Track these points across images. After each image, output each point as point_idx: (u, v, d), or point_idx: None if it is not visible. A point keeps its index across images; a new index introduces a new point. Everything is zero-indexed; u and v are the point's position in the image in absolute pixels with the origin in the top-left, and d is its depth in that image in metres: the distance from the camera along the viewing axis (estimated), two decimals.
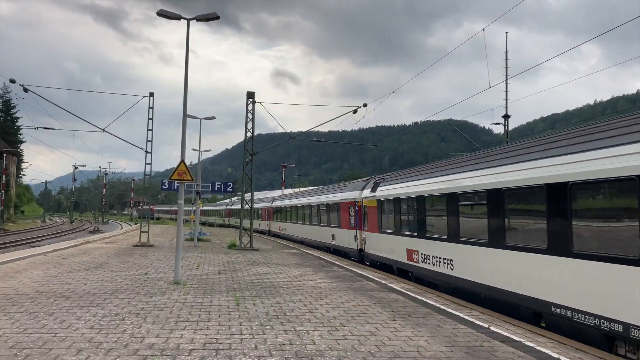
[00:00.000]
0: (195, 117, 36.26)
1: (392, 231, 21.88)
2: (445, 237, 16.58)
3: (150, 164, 32.87)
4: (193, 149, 49.84)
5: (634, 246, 9.18)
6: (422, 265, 18.61)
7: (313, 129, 34.24)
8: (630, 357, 9.51)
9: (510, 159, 13.60)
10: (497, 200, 13.61)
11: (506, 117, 38.33)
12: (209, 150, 59.73)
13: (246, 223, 40.75)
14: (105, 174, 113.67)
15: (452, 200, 16.04)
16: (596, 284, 10.00)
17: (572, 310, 10.64)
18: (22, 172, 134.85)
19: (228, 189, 34.61)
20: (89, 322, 10.57)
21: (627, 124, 10.00)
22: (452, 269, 16.22)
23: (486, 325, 11.49)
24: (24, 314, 11.22)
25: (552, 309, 11.26)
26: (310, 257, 28.25)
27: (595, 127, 11.09)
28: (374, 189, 24.86)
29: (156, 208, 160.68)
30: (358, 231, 27.33)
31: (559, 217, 11.10)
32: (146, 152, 32.21)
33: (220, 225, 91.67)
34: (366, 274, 20.37)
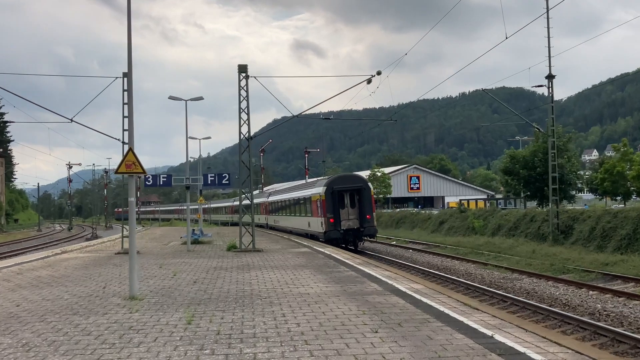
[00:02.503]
0: (180, 99, 35.59)
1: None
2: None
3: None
4: (191, 137, 49.04)
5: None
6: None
7: (319, 105, 33.27)
8: None
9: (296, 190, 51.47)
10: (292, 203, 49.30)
11: (550, 77, 36.84)
12: (209, 138, 58.96)
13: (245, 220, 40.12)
14: (106, 172, 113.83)
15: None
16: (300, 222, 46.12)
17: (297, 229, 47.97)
18: (13, 176, 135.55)
19: (223, 182, 33.79)
20: None
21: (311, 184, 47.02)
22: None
23: (490, 334, 10.49)
24: None
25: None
26: (319, 256, 28.06)
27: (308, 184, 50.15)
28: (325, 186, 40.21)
29: (161, 208, 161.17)
30: (322, 218, 39.79)
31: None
32: (123, 143, 31.56)
33: (234, 225, 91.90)
34: (376, 274, 19.81)
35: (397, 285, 16.96)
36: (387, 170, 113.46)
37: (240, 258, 27.96)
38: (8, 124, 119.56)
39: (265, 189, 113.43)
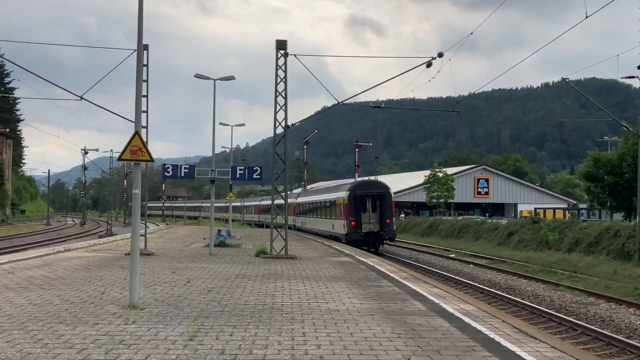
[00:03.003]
0: (207, 77, 35.62)
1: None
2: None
3: (147, 143, 32.27)
4: (221, 123, 49.18)
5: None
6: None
7: (369, 91, 32.93)
8: None
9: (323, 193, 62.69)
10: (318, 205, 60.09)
11: None
12: (242, 125, 58.91)
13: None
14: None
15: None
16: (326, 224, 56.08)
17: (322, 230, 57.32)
18: (22, 161, 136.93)
19: (254, 176, 33.70)
20: None
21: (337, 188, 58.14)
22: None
23: None
24: None
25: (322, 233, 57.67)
26: (360, 267, 27.96)
27: (333, 187, 62.43)
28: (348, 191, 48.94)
29: (188, 204, 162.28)
30: (345, 220, 47.65)
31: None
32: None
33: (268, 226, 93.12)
34: (422, 291, 19.53)
35: (444, 306, 16.70)
36: (450, 170, 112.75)
37: (269, 265, 27.99)
38: (17, 100, 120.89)
39: (308, 187, 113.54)
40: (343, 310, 15.69)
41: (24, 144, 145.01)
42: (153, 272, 24.22)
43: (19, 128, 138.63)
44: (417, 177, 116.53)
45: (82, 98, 30.37)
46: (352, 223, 46.07)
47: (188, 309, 15.42)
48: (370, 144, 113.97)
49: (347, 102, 35.93)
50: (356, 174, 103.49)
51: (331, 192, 58.05)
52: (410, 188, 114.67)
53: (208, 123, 39.97)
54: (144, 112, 32.24)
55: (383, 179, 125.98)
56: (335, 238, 51.66)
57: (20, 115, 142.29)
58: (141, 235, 34.49)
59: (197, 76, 36.26)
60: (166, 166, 32.38)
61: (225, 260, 30.09)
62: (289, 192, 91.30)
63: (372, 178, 77.80)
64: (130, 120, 31.89)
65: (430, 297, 18.37)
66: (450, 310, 16.01)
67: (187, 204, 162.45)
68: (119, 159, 15.97)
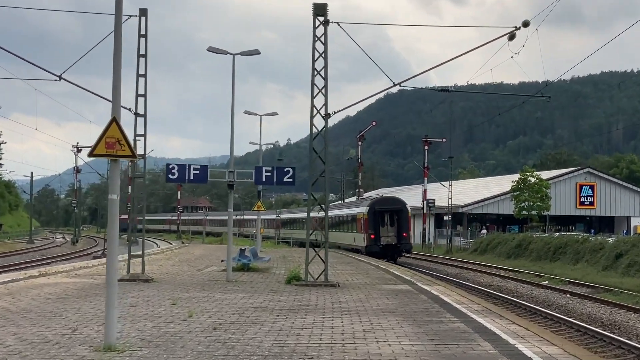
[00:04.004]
0: (224, 52, 35.30)
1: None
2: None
3: (145, 136, 32.32)
4: (247, 112, 48.87)
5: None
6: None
7: (433, 69, 32.37)
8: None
9: (345, 208, 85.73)
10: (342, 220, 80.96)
11: None
12: (274, 114, 58.72)
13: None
14: (131, 160, 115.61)
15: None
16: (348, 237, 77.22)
17: (345, 244, 76.74)
18: None
19: (285, 179, 33.21)
20: None
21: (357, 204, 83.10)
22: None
23: None
24: None
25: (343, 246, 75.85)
26: (420, 297, 27.79)
27: (354, 203, 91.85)
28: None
29: (209, 217, 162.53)
30: (365, 234, 64.52)
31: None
32: (136, 115, 31.64)
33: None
34: (495, 329, 19.26)
35: (521, 348, 16.38)
36: (546, 174, 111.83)
37: (301, 295, 27.81)
38: None
39: (366, 194, 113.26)
40: (387, 355, 15.46)
41: (0, 140, 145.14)
42: (147, 303, 24.12)
43: None
44: (505, 183, 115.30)
45: (60, 78, 30.64)
46: (372, 236, 61.55)
47: (181, 353, 15.21)
48: (444, 140, 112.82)
49: (406, 85, 35.43)
50: (425, 179, 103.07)
51: (352, 207, 79.65)
52: (492, 197, 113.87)
53: (238, 113, 39.61)
54: (141, 96, 32.12)
55: (460, 185, 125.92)
56: (356, 250, 69.13)
57: None
58: (137, 257, 34.46)
59: (211, 50, 35.81)
60: (170, 166, 31.91)
61: (245, 289, 29.93)
62: (357, 199, 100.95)
63: (390, 193, 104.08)
64: (125, 108, 31.95)
65: (504, 336, 18.13)
66: (529, 354, 15.71)
67: (209, 217, 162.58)
68: (90, 154, 15.44)
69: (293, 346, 16.17)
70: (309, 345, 16.34)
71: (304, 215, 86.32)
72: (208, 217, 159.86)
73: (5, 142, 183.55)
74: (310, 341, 16.92)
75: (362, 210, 66.68)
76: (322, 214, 67.83)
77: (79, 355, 14.67)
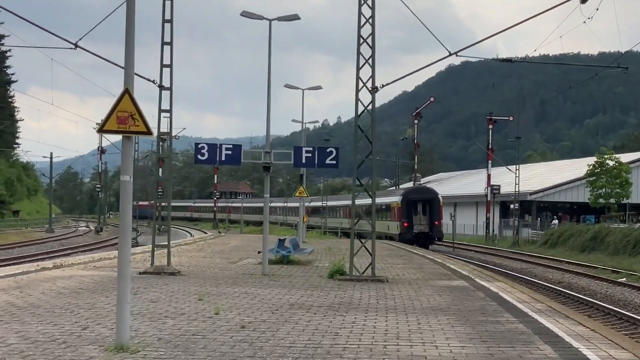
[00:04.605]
0: (260, 17, 35.31)
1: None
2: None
3: (170, 111, 32.31)
4: (288, 86, 48.73)
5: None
6: None
7: (495, 35, 32.25)
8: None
9: (379, 197, 74.34)
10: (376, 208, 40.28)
11: None
12: (319, 88, 58.46)
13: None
14: (163, 140, 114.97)
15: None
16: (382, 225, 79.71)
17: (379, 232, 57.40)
18: (15, 141, 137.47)
19: (328, 161, 33.12)
20: None
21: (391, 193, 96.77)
22: None
23: None
24: None
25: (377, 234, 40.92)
26: (477, 295, 27.83)
27: (388, 192, 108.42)
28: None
29: (245, 204, 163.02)
30: (398, 222, 74.56)
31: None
32: (160, 87, 31.64)
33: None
34: (557, 330, 19.07)
35: (585, 352, 16.19)
36: (626, 157, 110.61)
37: (343, 291, 27.79)
38: (7, 53, 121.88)
39: (424, 180, 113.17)
40: (432, 358, 15.41)
41: (17, 116, 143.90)
42: (170, 298, 24.20)
43: (10, 93, 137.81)
44: (580, 168, 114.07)
45: (76, 46, 30.51)
46: (405, 224, 70.79)
47: (202, 354, 15.20)
48: (510, 119, 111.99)
49: (465, 54, 35.13)
50: (489, 162, 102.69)
51: (386, 196, 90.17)
52: (565, 183, 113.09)
53: (280, 90, 39.62)
54: (166, 66, 32.08)
55: (528, 169, 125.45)
56: (390, 238, 78.48)
57: (12, 75, 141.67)
58: (161, 248, 34.49)
59: (245, 14, 35.86)
60: (199, 146, 31.87)
61: (281, 284, 30.00)
62: (415, 184, 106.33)
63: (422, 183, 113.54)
64: (148, 79, 32.13)
65: (568, 338, 17.95)
66: (593, 358, 15.60)
67: (245, 204, 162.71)
68: (100, 130, 15.45)
69: (328, 347, 16.11)
70: (346, 347, 16.28)
71: (341, 202, 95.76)
72: (245, 204, 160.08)
73: (23, 119, 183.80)
74: (348, 342, 16.85)
75: (395, 199, 78.98)
76: (368, 201, 70.19)
77: (86, 355, 14.66)
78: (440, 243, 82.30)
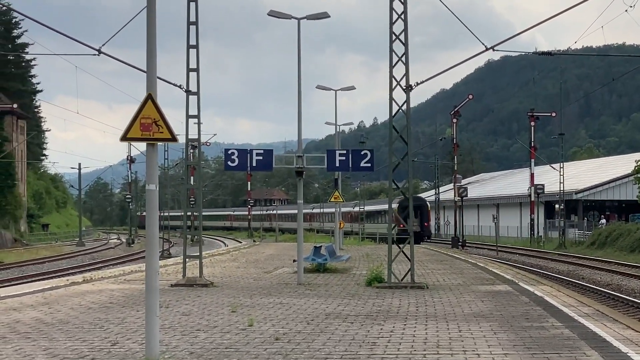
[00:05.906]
0: (288, 16, 35.37)
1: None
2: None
3: (198, 117, 32.39)
4: (318, 87, 48.80)
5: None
6: None
7: (531, 28, 32.23)
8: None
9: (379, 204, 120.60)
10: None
11: None
12: (352, 88, 58.38)
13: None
14: (193, 147, 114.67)
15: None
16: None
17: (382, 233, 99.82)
18: (42, 152, 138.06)
19: (362, 164, 33.16)
20: None
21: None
22: None
23: None
24: None
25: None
26: (521, 299, 27.72)
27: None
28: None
29: (279, 212, 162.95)
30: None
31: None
32: (187, 92, 31.77)
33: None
34: (605, 335, 18.88)
35: (635, 357, 16.05)
36: None
37: (382, 299, 27.79)
38: (32, 62, 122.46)
39: (464, 181, 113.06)
40: None
41: (44, 127, 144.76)
42: (203, 311, 24.27)
43: (36, 103, 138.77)
44: (628, 164, 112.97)
45: (100, 52, 30.70)
46: (401, 225, 73.18)
47: None
48: (553, 115, 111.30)
49: (501, 49, 35.05)
50: (532, 160, 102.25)
51: (383, 204, 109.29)
52: (612, 180, 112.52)
53: (313, 92, 39.54)
54: (192, 70, 32.14)
55: (573, 167, 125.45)
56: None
57: (38, 85, 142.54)
58: (193, 259, 34.57)
59: (272, 14, 36.05)
60: (229, 152, 31.98)
61: (317, 293, 30.06)
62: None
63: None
64: (174, 84, 32.27)
65: (616, 343, 17.77)
66: None
67: (279, 211, 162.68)
68: (123, 138, 15.41)
69: (365, 358, 16.10)
70: (384, 357, 16.26)
71: (344, 209, 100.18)
72: (279, 212, 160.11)
73: (49, 130, 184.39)
74: (386, 351, 16.81)
75: (393, 206, 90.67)
76: (355, 209, 76.88)
77: None
78: (429, 240, 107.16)
